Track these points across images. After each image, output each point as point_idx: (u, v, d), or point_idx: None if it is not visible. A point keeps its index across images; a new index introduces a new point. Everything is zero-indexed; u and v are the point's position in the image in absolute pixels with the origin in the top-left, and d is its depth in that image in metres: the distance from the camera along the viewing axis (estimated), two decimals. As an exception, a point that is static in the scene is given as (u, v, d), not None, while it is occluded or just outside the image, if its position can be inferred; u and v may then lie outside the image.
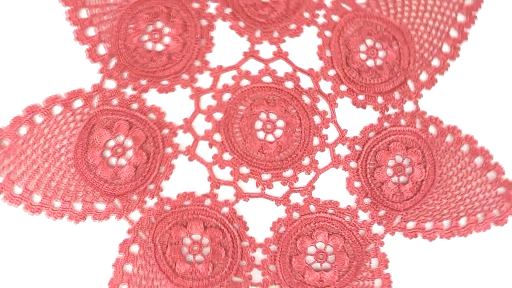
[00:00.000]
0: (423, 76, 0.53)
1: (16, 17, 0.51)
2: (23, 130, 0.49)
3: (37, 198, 0.48)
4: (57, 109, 0.50)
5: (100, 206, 0.49)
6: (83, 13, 0.51)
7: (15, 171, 0.48)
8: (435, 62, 0.53)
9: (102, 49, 0.52)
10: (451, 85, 0.53)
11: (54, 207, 0.49)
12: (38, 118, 0.49)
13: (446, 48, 0.53)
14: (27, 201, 0.47)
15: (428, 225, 0.51)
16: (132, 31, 0.51)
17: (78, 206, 0.49)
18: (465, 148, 0.52)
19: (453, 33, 0.53)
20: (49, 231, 0.50)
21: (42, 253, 0.49)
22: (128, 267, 0.48)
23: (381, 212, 0.50)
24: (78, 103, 0.50)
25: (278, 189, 0.51)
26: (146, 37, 0.52)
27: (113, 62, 0.52)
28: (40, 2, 0.52)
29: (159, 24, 0.52)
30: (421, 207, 0.50)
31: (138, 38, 0.52)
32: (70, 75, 0.51)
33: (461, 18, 0.53)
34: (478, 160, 0.51)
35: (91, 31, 0.51)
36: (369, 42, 0.53)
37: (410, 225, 0.51)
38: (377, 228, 0.51)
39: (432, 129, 0.52)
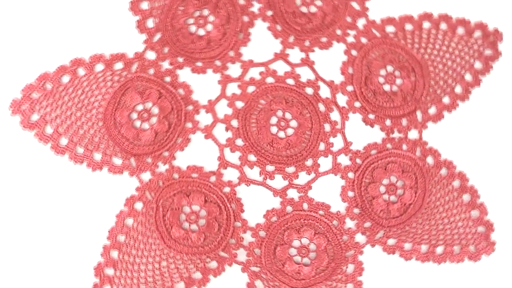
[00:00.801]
0: (432, 110, 0.53)
1: None
2: (65, 79, 0.50)
3: (63, 141, 0.50)
4: (99, 67, 0.51)
5: (117, 161, 0.51)
6: None
7: (50, 113, 0.50)
8: (446, 100, 0.54)
9: (150, 23, 0.53)
10: (456, 124, 0.53)
11: (77, 152, 0.50)
12: (81, 71, 0.51)
13: (458, 89, 0.53)
14: (55, 142, 0.49)
15: (407, 246, 0.51)
16: (181, 13, 0.52)
17: (97, 156, 0.50)
18: (456, 183, 0.52)
19: (468, 77, 0.53)
20: (66, 173, 0.50)
21: (55, 194, 0.50)
22: (129, 221, 0.49)
23: (367, 224, 0.51)
24: (118, 66, 0.52)
25: (279, 182, 0.51)
26: (191, 21, 0.53)
27: (157, 37, 0.52)
28: None
29: (205, 12, 0.53)
30: (404, 228, 0.50)
31: (184, 20, 0.53)
32: (117, 39, 0.53)
33: (478, 65, 0.53)
34: (466, 197, 0.52)
35: (145, 5, 0.53)
36: (389, 68, 0.54)
37: (391, 241, 0.51)
38: (359, 238, 0.51)
39: (429, 159, 0.52)
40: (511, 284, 0.51)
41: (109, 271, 0.49)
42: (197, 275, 0.50)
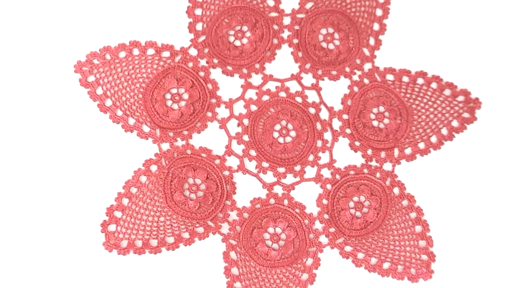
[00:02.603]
0: (408, 150, 0.53)
1: None
2: (122, 54, 0.52)
3: (108, 103, 0.51)
4: (151, 51, 0.52)
5: (145, 128, 0.51)
6: None
7: (104, 78, 0.51)
8: (421, 145, 0.53)
9: (199, 26, 0.53)
10: (425, 167, 0.53)
11: (116, 114, 0.51)
12: (136, 51, 0.52)
13: (434, 139, 0.53)
14: (102, 102, 0.50)
15: (360, 255, 0.51)
16: (225, 24, 0.52)
17: (131, 121, 0.51)
18: (413, 215, 0.52)
19: (444, 131, 0.53)
20: (103, 128, 0.51)
21: (92, 146, 0.51)
22: (143, 178, 0.51)
23: (332, 229, 0.51)
24: (166, 54, 0.52)
25: (269, 177, 0.52)
26: (232, 32, 0.53)
27: (201, 38, 0.53)
28: None
29: (245, 28, 0.53)
30: (361, 240, 0.51)
31: (226, 30, 0.53)
32: (170, 33, 0.53)
33: (455, 123, 0.52)
34: (418, 228, 0.52)
35: (198, 11, 0.53)
36: (381, 108, 0.53)
37: (348, 248, 0.51)
38: (323, 239, 0.51)
39: (396, 190, 0.52)
40: None
41: (118, 214, 0.50)
42: (185, 235, 0.50)
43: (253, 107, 0.53)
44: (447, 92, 0.52)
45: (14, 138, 0.51)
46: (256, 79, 0.53)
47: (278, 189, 0.52)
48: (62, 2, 0.52)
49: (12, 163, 0.50)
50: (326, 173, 0.52)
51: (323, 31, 0.53)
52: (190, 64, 0.52)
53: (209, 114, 0.52)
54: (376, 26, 0.53)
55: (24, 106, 0.51)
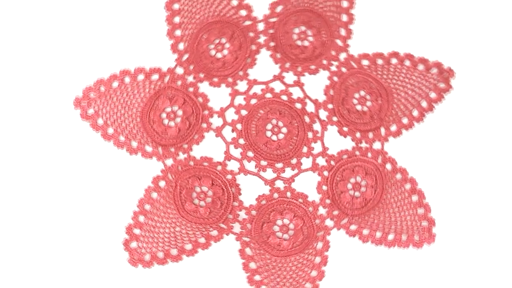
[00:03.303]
0: (393, 128, 0.55)
1: (125, 14, 0.56)
2: (115, 84, 0.54)
3: (110, 131, 0.53)
4: (140, 77, 0.54)
5: (148, 149, 0.54)
6: (177, 19, 0.55)
7: (102, 109, 0.53)
8: (405, 120, 0.55)
9: (181, 46, 0.55)
10: (411, 140, 0.55)
11: (119, 140, 0.53)
12: (127, 79, 0.54)
13: (415, 113, 0.55)
14: (104, 131, 0.53)
15: (365, 231, 0.53)
16: (204, 40, 0.55)
17: (134, 144, 0.54)
18: (407, 186, 0.54)
19: (424, 104, 0.54)
20: (110, 155, 0.54)
21: (101, 171, 0.54)
22: (154, 194, 0.53)
23: (335, 212, 0.54)
24: (155, 77, 0.54)
25: (269, 174, 0.55)
26: (212, 46, 0.55)
27: (185, 57, 0.55)
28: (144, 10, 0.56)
29: (223, 40, 0.55)
30: (363, 217, 0.54)
31: (207, 45, 0.55)
32: (156, 56, 0.55)
33: (433, 95, 0.54)
34: (414, 198, 0.54)
35: (178, 32, 0.55)
36: (362, 92, 0.55)
37: (353, 227, 0.53)
38: (328, 222, 0.54)
39: (388, 166, 0.54)
40: (445, 269, 0.53)
41: (136, 231, 0.52)
42: (202, 240, 0.53)
43: (244, 112, 0.55)
44: (421, 67, 0.54)
45: (32, 172, 0.54)
46: (242, 86, 0.56)
47: (279, 184, 0.54)
48: (47, 38, 0.55)
49: (32, 193, 0.54)
50: (321, 161, 0.55)
51: (296, 30, 0.55)
52: (179, 83, 0.55)
53: (204, 125, 0.55)
54: (344, 17, 0.55)
55: (32, 144, 0.54)
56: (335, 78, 0.55)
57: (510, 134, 0.55)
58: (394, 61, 0.55)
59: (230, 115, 0.55)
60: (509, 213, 0.54)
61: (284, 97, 0.55)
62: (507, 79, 0.56)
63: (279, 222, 0.54)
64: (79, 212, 0.53)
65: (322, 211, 0.54)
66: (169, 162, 0.54)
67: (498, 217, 0.54)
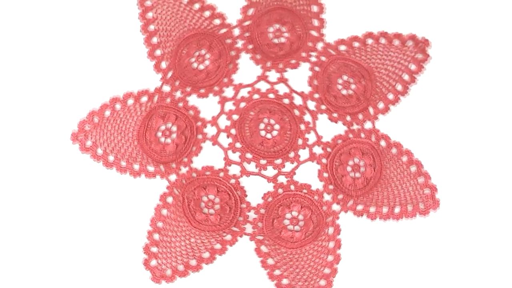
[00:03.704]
0: (380, 105, 0.56)
1: (109, 38, 0.57)
2: (107, 113, 0.55)
3: (111, 158, 0.55)
4: (130, 101, 0.55)
5: (150, 168, 0.55)
6: (154, 40, 0.56)
7: (99, 139, 0.55)
8: (390, 96, 0.56)
9: (163, 65, 0.56)
10: (400, 114, 0.56)
11: (121, 165, 0.55)
12: (118, 106, 0.55)
13: (399, 87, 0.56)
14: (105, 159, 0.54)
15: (372, 209, 0.55)
16: (184, 55, 0.56)
17: (136, 167, 0.55)
18: (404, 158, 0.55)
19: (406, 77, 0.55)
20: (114, 181, 0.55)
21: (109, 196, 0.55)
22: (164, 211, 0.55)
23: (340, 196, 0.55)
24: (144, 99, 0.56)
25: (270, 171, 0.56)
26: (193, 59, 0.56)
27: (170, 74, 0.56)
28: (124, 32, 0.57)
29: (203, 51, 0.56)
30: (368, 196, 0.55)
31: (188, 59, 0.56)
32: (141, 79, 0.56)
33: (413, 67, 0.55)
34: (413, 168, 0.55)
35: (158, 52, 0.56)
36: (344, 77, 0.56)
37: (359, 207, 0.55)
38: (335, 207, 0.55)
39: (382, 143, 0.55)
40: (452, 233, 0.55)
41: (154, 249, 0.54)
42: (218, 246, 0.54)
43: (235, 116, 0.56)
44: (396, 42, 0.55)
45: (46, 209, 0.55)
46: (228, 92, 0.57)
47: (282, 179, 0.56)
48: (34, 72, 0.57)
49: (48, 228, 0.55)
50: (318, 150, 0.56)
51: (271, 29, 0.56)
52: (168, 100, 0.56)
53: (200, 136, 0.56)
54: (315, 8, 0.56)
55: (38, 183, 0.55)
56: (317, 68, 0.56)
57: (494, 95, 0.56)
58: (369, 41, 0.56)
59: (223, 122, 0.56)
60: (497, 170, 0.56)
61: (271, 95, 0.57)
62: (482, 42, 0.57)
63: (288, 215, 0.55)
64: (95, 242, 0.55)
65: (327, 197, 0.55)
66: (173, 177, 0.55)
67: (492, 175, 0.56)
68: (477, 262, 0.55)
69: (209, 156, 0.56)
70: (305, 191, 0.55)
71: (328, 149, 0.56)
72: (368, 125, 0.56)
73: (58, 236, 0.55)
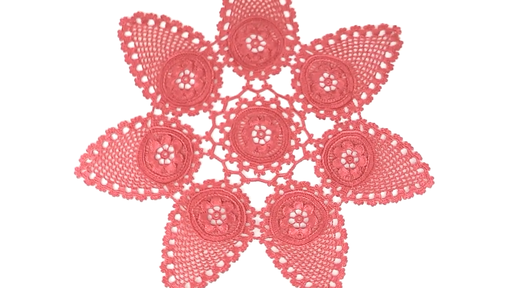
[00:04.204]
0: (363, 96, 0.58)
1: (98, 73, 0.59)
2: (105, 144, 0.57)
3: (115, 187, 0.56)
4: (126, 130, 0.57)
5: (155, 190, 0.56)
6: (139, 67, 0.58)
7: (101, 170, 0.56)
8: (371, 86, 0.58)
9: (152, 90, 0.58)
10: (383, 101, 0.58)
11: (126, 191, 0.56)
12: (114, 136, 0.57)
13: (378, 76, 0.58)
14: (110, 188, 0.56)
15: (371, 196, 0.56)
16: (170, 77, 0.58)
17: (141, 191, 0.56)
18: (394, 143, 0.57)
19: (383, 65, 0.58)
20: (123, 208, 0.57)
21: (120, 222, 0.56)
22: (174, 228, 0.56)
23: (338, 188, 0.56)
24: (138, 125, 0.57)
25: (269, 175, 0.57)
26: (179, 80, 0.58)
27: (159, 98, 0.58)
28: (111, 65, 0.59)
29: (187, 71, 0.58)
30: (365, 184, 0.56)
31: (174, 81, 0.58)
32: (132, 106, 0.58)
33: (388, 55, 0.58)
34: (404, 151, 0.56)
35: (145, 78, 0.58)
36: (325, 74, 0.58)
37: (358, 196, 0.56)
38: (336, 199, 0.56)
39: (371, 131, 0.57)
40: (449, 206, 0.56)
41: (170, 266, 0.55)
42: (230, 254, 0.55)
43: (227, 128, 0.58)
44: (369, 33, 0.58)
45: (63, 243, 0.56)
46: (217, 106, 0.59)
47: (281, 181, 0.57)
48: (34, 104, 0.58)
49: (69, 255, 0.56)
50: (311, 148, 0.58)
51: (248, 40, 0.59)
52: (161, 123, 0.58)
53: (197, 152, 0.58)
54: (286, 14, 0.59)
55: (49, 219, 0.56)
56: (298, 70, 0.58)
57: (464, 72, 0.58)
58: (344, 37, 0.58)
59: (216, 135, 0.58)
60: (479, 141, 0.58)
61: (259, 103, 0.58)
62: (449, 23, 0.58)
63: (292, 214, 0.56)
64: (113, 269, 0.56)
65: (327, 191, 0.57)
66: (177, 195, 0.57)
67: (476, 146, 0.57)
68: (475, 233, 0.56)
69: (208, 170, 0.57)
70: (305, 188, 0.57)
71: (321, 145, 0.57)
72: (354, 116, 0.58)
73: (79, 266, 0.56)
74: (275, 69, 0.59)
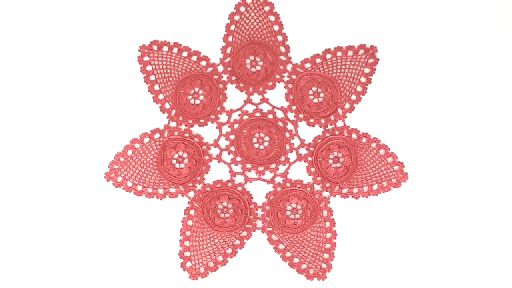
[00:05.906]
0: (347, 106, 0.61)
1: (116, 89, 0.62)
2: (129, 152, 0.61)
3: (139, 188, 0.60)
4: (146, 139, 0.61)
5: (172, 190, 0.60)
6: (156, 87, 0.61)
7: (127, 174, 0.60)
8: (353, 97, 0.61)
9: (167, 105, 0.61)
10: (363, 110, 0.61)
11: (148, 192, 0.60)
12: (137, 145, 0.61)
13: (359, 88, 0.61)
14: (134, 189, 0.59)
15: (355, 190, 0.60)
16: (182, 94, 0.61)
17: (160, 191, 0.60)
18: (373, 145, 0.61)
19: (363, 79, 0.61)
20: (146, 205, 0.60)
21: (144, 217, 0.60)
22: (189, 222, 0.60)
23: (327, 184, 0.61)
24: (157, 135, 0.61)
25: (268, 175, 0.62)
26: (190, 97, 0.61)
27: (173, 112, 0.61)
28: (131, 86, 0.61)
29: (196, 89, 0.61)
30: (350, 180, 0.60)
31: (185, 97, 0.61)
32: (151, 120, 0.61)
33: (367, 70, 0.61)
34: (382, 151, 0.61)
35: (161, 96, 0.61)
36: (314, 88, 0.61)
37: (344, 190, 0.60)
38: (325, 193, 0.61)
39: (354, 135, 0.61)
40: (421, 200, 0.60)
41: (187, 254, 0.59)
42: (237, 242, 0.60)
43: (232, 136, 0.62)
44: (350, 52, 0.61)
45: (94, 239, 0.61)
46: (223, 118, 0.62)
47: (278, 179, 0.61)
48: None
49: (99, 253, 0.61)
50: (303, 151, 0.62)
51: (248, 61, 0.62)
52: (176, 133, 0.61)
53: (206, 157, 0.62)
54: (279, 38, 0.63)
55: (86, 220, 0.61)
56: (290, 85, 0.62)
57: (433, 85, 0.61)
58: (328, 56, 0.62)
59: (223, 142, 0.62)
60: (449, 137, 0.61)
61: (258, 114, 0.62)
62: (416, 43, 0.61)
63: (288, 207, 0.60)
64: (139, 255, 0.60)
65: (317, 187, 0.61)
66: (191, 194, 0.61)
67: (446, 142, 0.62)
68: (443, 220, 0.61)
69: (217, 172, 0.61)
70: (298, 185, 0.61)
71: (311, 149, 0.61)
72: (339, 123, 0.61)
73: (112, 254, 0.60)
74: (271, 85, 0.62)
